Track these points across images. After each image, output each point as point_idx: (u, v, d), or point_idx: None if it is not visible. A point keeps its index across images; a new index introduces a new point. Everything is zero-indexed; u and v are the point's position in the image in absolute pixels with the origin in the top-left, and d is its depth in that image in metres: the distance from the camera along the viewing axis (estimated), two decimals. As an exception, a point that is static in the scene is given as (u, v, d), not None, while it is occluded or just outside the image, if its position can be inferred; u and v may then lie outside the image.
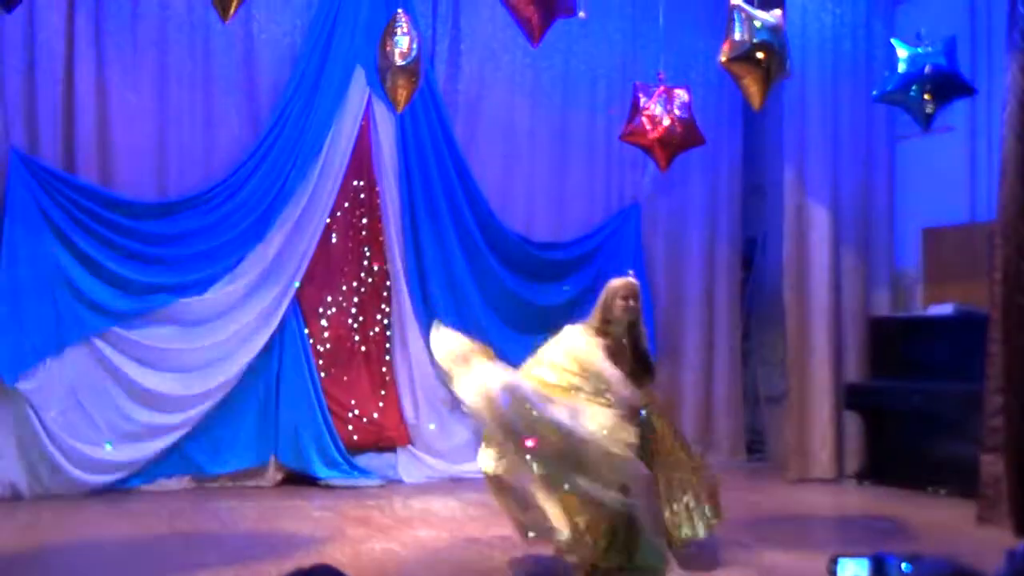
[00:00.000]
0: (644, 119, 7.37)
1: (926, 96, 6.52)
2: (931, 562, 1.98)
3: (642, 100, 7.47)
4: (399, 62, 6.22)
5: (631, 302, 5.17)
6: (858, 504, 7.63)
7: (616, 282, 5.25)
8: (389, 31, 6.27)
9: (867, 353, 8.55)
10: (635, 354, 5.25)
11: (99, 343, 7.27)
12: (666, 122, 7.28)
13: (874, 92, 7.04)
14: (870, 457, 8.32)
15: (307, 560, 4.97)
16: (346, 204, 8.22)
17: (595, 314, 5.21)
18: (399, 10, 6.40)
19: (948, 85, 6.60)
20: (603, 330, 5.14)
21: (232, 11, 5.53)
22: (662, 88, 7.49)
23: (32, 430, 6.98)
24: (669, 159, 7.60)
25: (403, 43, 6.20)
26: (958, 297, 7.99)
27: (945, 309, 7.94)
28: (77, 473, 7.10)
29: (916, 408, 7.71)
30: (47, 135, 7.25)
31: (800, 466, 8.46)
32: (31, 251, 7.07)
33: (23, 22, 7.08)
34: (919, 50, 6.45)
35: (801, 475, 8.41)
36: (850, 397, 8.37)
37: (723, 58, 6.07)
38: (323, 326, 8.13)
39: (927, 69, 6.45)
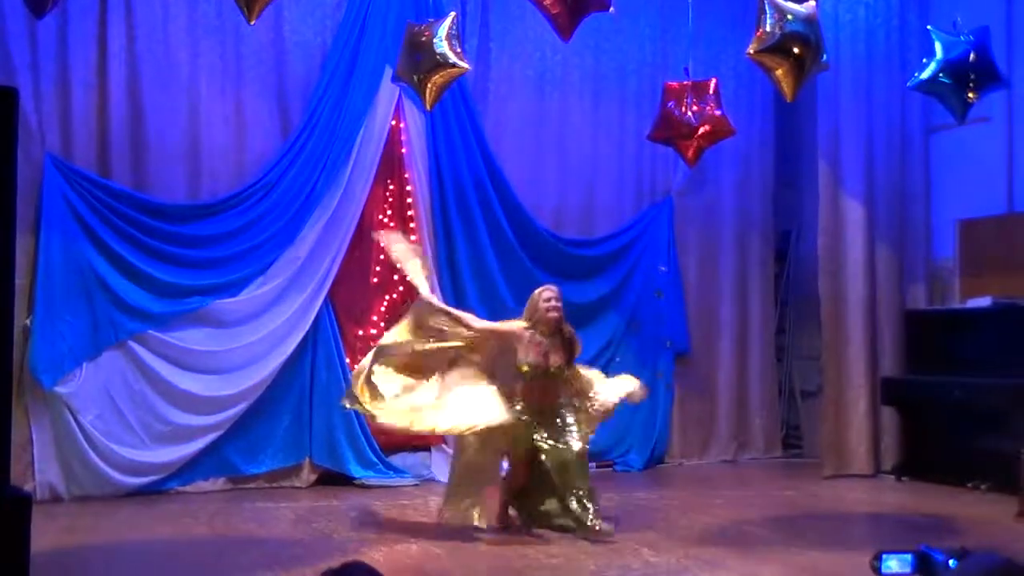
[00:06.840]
0: (670, 117, 7.32)
1: (968, 85, 6.44)
2: (979, 557, 1.93)
3: (668, 98, 7.43)
4: (444, 58, 6.21)
5: (554, 302, 5.87)
6: (897, 500, 7.54)
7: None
8: (425, 30, 6.25)
9: (904, 347, 8.46)
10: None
11: (135, 346, 7.31)
12: (692, 118, 7.23)
13: (909, 82, 6.95)
14: (908, 452, 8.24)
15: (345, 560, 4.97)
16: (377, 204, 8.23)
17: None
18: (452, 13, 6.41)
19: (982, 75, 6.51)
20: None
21: (257, 12, 5.52)
22: (689, 83, 7.44)
23: (71, 433, 7.03)
24: (698, 154, 7.55)
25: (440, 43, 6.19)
26: (996, 289, 7.90)
27: (983, 302, 7.84)
28: (115, 475, 7.15)
29: (955, 402, 7.62)
30: (81, 140, 7.30)
31: (836, 462, 8.39)
32: (67, 255, 7.11)
33: (55, 28, 7.13)
34: (960, 38, 6.37)
35: (837, 471, 8.34)
36: (887, 392, 8.28)
37: (751, 50, 6.00)
38: (356, 326, 8.14)
39: (965, 58, 6.37)
